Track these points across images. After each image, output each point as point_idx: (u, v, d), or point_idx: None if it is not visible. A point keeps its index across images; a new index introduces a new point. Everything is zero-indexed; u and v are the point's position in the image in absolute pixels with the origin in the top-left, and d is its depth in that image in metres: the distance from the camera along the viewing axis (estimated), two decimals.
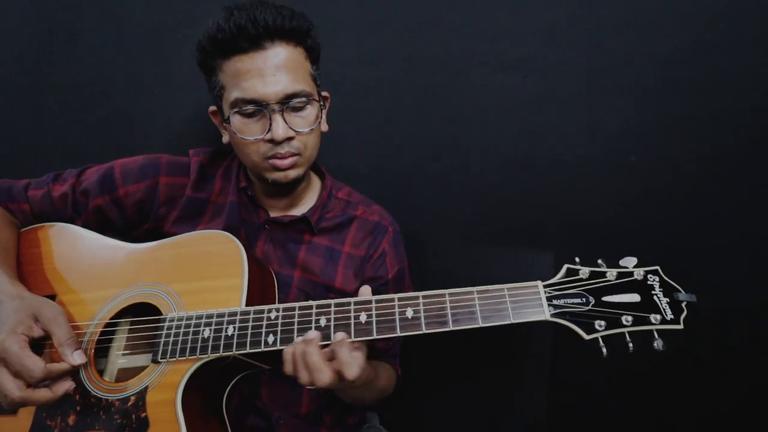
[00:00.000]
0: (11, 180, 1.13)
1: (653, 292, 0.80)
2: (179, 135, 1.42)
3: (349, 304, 0.87)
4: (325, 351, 0.83)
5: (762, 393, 1.38)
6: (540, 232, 1.40)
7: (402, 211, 1.26)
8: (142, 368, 0.92)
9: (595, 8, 1.32)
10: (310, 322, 0.86)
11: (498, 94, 1.37)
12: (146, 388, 0.89)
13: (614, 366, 1.34)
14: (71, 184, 1.11)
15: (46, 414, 0.91)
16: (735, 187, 1.34)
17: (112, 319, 0.97)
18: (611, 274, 0.82)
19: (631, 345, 0.78)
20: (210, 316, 0.90)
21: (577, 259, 0.86)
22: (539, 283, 0.83)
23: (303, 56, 1.01)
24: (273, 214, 1.14)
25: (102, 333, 0.96)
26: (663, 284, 0.81)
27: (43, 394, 0.83)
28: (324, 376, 0.81)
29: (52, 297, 0.99)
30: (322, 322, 0.86)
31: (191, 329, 0.90)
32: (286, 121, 0.98)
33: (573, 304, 0.81)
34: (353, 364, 0.82)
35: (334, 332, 0.85)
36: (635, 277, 0.82)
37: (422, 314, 0.83)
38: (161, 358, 0.90)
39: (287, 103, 0.97)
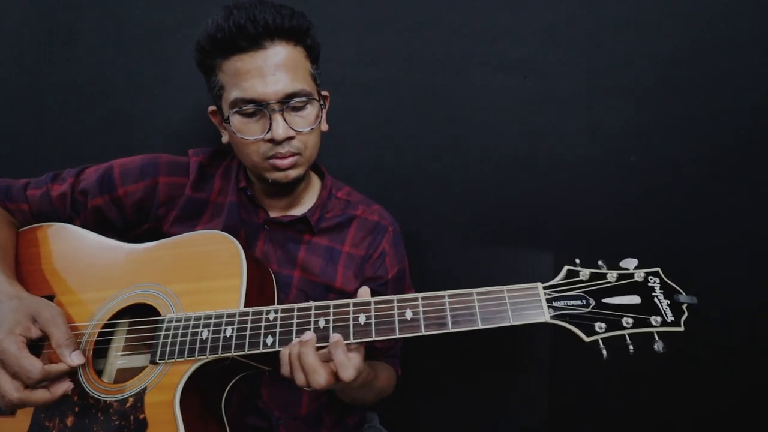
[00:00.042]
0: (10, 179, 1.13)
1: (654, 293, 0.80)
2: (179, 135, 1.42)
3: (348, 305, 0.86)
4: (322, 352, 0.83)
5: (762, 393, 1.38)
6: (540, 232, 1.40)
7: (402, 211, 1.25)
8: (141, 369, 0.92)
9: (595, 8, 1.32)
10: (308, 323, 0.86)
11: (498, 94, 1.37)
12: (144, 389, 0.89)
13: (614, 366, 1.34)
14: (70, 183, 1.11)
15: (44, 415, 0.91)
16: (735, 187, 1.33)
17: (110, 319, 0.96)
18: (611, 275, 0.82)
19: (631, 347, 0.78)
20: (208, 317, 0.90)
21: (577, 261, 0.85)
22: (539, 285, 0.83)
23: (303, 55, 1.01)
24: (272, 214, 1.13)
25: (100, 334, 0.96)
26: (664, 286, 0.81)
27: (41, 395, 0.83)
28: (320, 378, 0.80)
29: (51, 297, 0.99)
30: (321, 323, 0.86)
31: (189, 330, 0.89)
32: (286, 121, 0.97)
33: (573, 306, 0.80)
34: (349, 365, 0.82)
35: (333, 334, 0.84)
36: (636, 278, 0.82)
37: (421, 316, 0.83)
38: (159, 359, 0.89)
39: (287, 102, 0.97)
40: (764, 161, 1.32)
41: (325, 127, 1.11)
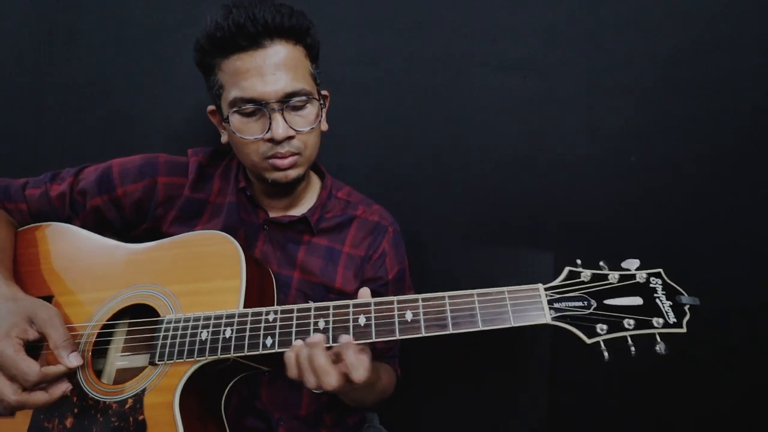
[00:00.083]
0: (8, 179, 1.12)
1: (656, 295, 0.79)
2: (179, 135, 1.42)
3: (347, 306, 0.86)
4: (329, 353, 0.83)
5: (762, 393, 1.38)
6: (540, 232, 1.39)
7: (402, 211, 1.25)
8: (142, 369, 0.92)
9: (595, 8, 1.32)
10: (308, 324, 0.86)
11: (498, 94, 1.36)
12: (144, 390, 0.88)
13: (614, 366, 1.32)
14: (69, 183, 1.10)
15: (43, 416, 0.91)
16: (735, 187, 1.33)
17: (109, 320, 0.96)
18: (613, 276, 0.81)
19: (633, 349, 0.77)
20: (207, 318, 0.89)
21: (578, 261, 0.84)
22: (540, 286, 0.82)
23: (302, 54, 1.00)
24: (272, 215, 1.13)
25: (99, 334, 0.95)
26: (666, 287, 0.80)
27: (39, 397, 0.82)
28: (332, 379, 0.79)
29: (50, 298, 0.98)
30: (321, 324, 0.85)
31: (189, 331, 0.89)
32: (286, 120, 0.97)
33: (574, 307, 0.80)
34: (360, 366, 0.80)
35: (333, 335, 0.84)
36: (637, 279, 0.81)
37: (422, 317, 0.83)
38: (159, 361, 0.89)
39: (287, 102, 0.97)
40: (764, 161, 1.31)
41: (325, 126, 1.10)
